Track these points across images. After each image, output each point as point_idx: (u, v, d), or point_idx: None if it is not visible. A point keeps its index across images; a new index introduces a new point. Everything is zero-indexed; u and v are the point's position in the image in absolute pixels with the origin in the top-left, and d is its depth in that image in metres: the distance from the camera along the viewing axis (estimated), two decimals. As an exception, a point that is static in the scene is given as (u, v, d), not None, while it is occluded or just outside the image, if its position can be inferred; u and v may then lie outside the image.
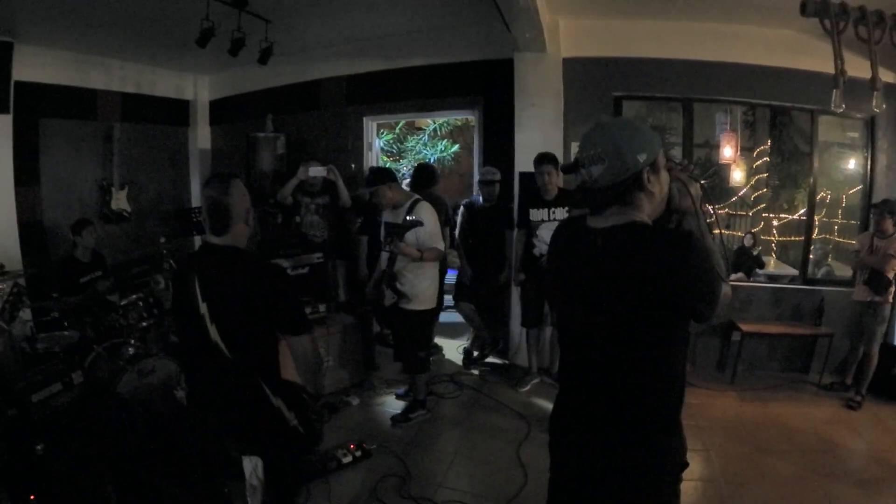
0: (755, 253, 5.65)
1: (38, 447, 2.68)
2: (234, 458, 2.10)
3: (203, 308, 1.94)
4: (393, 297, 3.69)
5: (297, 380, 2.10)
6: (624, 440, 1.46)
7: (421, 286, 3.74)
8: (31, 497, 2.53)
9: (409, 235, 3.58)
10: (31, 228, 5.25)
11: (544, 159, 4.18)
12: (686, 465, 1.52)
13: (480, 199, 4.96)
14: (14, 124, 4.98)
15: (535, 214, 4.28)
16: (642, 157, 1.39)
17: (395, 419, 3.91)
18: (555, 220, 4.16)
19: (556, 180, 4.19)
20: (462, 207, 5.09)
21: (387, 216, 3.81)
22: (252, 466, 2.07)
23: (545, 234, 4.19)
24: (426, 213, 3.66)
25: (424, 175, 5.08)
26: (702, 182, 1.54)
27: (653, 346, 1.41)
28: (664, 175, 1.47)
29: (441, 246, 3.76)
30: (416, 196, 3.81)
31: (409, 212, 3.64)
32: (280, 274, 2.09)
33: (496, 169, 4.89)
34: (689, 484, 3.12)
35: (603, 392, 1.49)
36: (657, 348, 1.42)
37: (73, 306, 3.91)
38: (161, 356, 3.77)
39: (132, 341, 3.79)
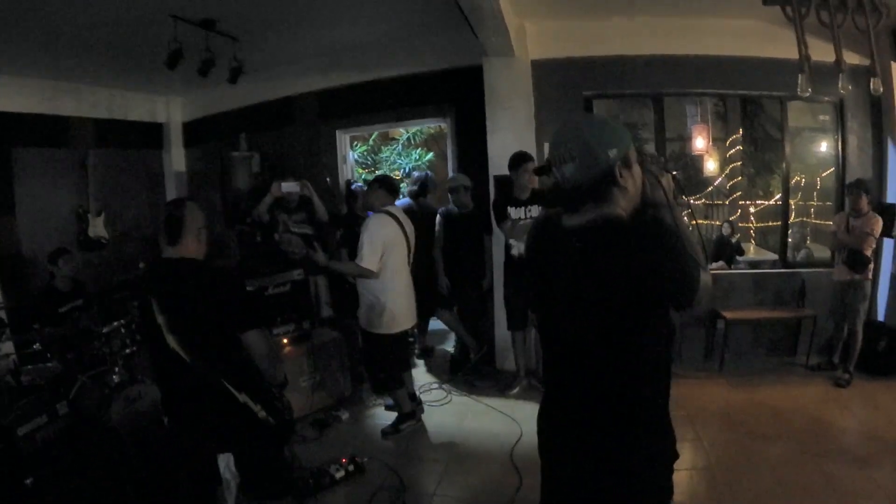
0: (733, 241, 5.72)
1: (28, 481, 2.64)
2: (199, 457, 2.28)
3: (160, 319, 2.06)
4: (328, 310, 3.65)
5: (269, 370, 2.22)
6: (612, 436, 1.46)
7: (363, 305, 3.72)
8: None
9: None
10: (8, 260, 5.19)
11: (525, 158, 4.19)
12: (677, 455, 1.53)
13: (455, 208, 4.97)
14: (-13, 154, 4.90)
15: (513, 213, 4.27)
16: (612, 153, 1.40)
17: (385, 432, 3.87)
18: (531, 219, 4.14)
19: (534, 180, 4.21)
20: (439, 216, 5.09)
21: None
22: (225, 462, 2.25)
23: (521, 232, 4.20)
24: (368, 224, 3.63)
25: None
26: (673, 173, 1.55)
27: (635, 340, 1.42)
28: (636, 169, 1.47)
29: (363, 263, 3.53)
30: (386, 210, 3.73)
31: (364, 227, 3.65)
32: (225, 276, 2.24)
33: (465, 175, 4.91)
34: (683, 473, 3.13)
35: (587, 389, 1.49)
36: (640, 342, 1.42)
37: (55, 337, 3.84)
38: (147, 382, 3.72)
39: (116, 368, 3.74)
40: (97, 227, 5.87)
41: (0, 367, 3.45)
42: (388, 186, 3.84)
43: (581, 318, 1.45)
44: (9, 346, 3.87)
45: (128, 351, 3.89)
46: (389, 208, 3.75)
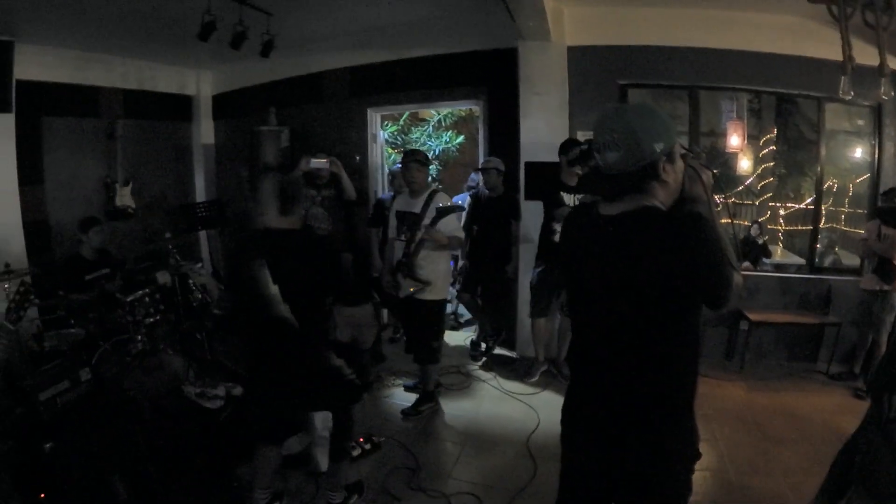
0: (761, 242, 5.62)
1: (47, 445, 2.69)
2: (297, 418, 2.48)
3: (274, 289, 2.15)
4: (409, 288, 3.65)
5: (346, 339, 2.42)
6: (638, 428, 1.45)
7: (438, 275, 3.73)
8: (42, 496, 2.54)
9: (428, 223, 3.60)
10: (35, 227, 5.25)
11: (576, 143, 4.13)
12: (699, 455, 1.52)
13: (487, 190, 4.94)
14: (17, 123, 4.96)
15: (564, 199, 4.17)
16: (659, 147, 1.37)
17: (406, 412, 3.89)
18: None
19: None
20: (469, 197, 5.05)
21: (399, 204, 3.81)
22: (322, 420, 2.47)
23: None
24: (447, 199, 3.70)
25: None
26: (714, 171, 1.52)
27: (666, 332, 1.41)
28: (679, 164, 1.45)
29: (461, 234, 3.80)
30: (434, 187, 3.84)
31: (428, 201, 3.63)
32: (338, 250, 2.47)
33: (499, 160, 4.85)
34: (698, 474, 3.04)
35: (616, 380, 1.49)
36: (671, 335, 1.42)
37: (79, 304, 3.90)
38: (169, 352, 3.77)
39: (139, 337, 3.79)
40: (124, 197, 5.93)
41: (24, 332, 3.49)
42: (427, 163, 3.89)
43: (613, 307, 1.44)
44: (33, 312, 3.93)
45: (150, 320, 3.94)
46: (434, 187, 3.86)
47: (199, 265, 2.60)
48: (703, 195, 1.46)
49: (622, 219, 1.42)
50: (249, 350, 2.54)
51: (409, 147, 7.19)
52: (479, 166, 4.95)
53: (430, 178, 3.97)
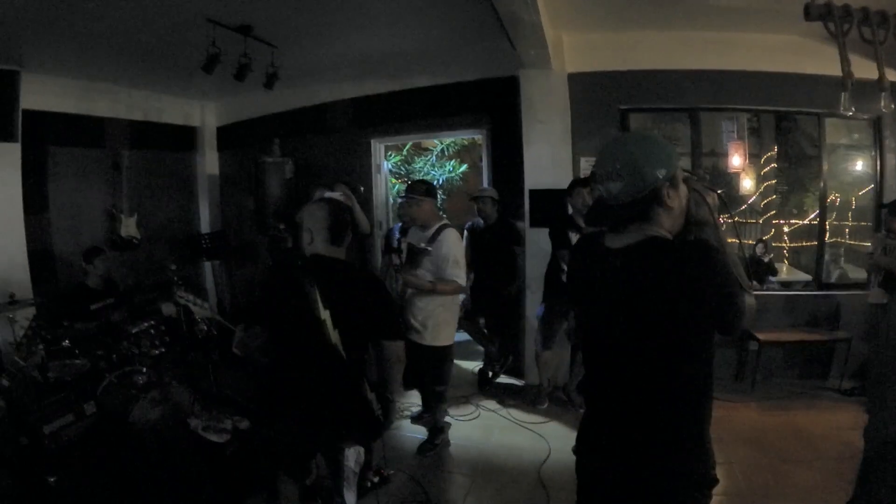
0: (766, 260, 5.61)
1: (52, 479, 2.66)
2: (326, 450, 2.39)
3: (325, 315, 2.09)
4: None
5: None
6: (653, 457, 1.44)
7: (434, 320, 3.46)
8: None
9: (427, 263, 3.41)
10: (40, 256, 5.27)
11: (579, 183, 4.08)
12: (716, 480, 1.50)
13: (481, 221, 4.93)
14: (23, 152, 5.00)
15: (573, 238, 4.04)
16: (661, 173, 1.38)
17: (423, 448, 3.76)
18: None
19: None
20: (466, 231, 5.06)
21: (412, 236, 3.63)
22: (355, 455, 2.39)
23: None
24: (451, 240, 3.41)
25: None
26: (718, 192, 1.52)
27: (679, 361, 1.40)
28: (683, 188, 1.45)
29: (462, 280, 3.43)
30: (445, 221, 3.59)
31: (435, 237, 3.42)
32: (382, 285, 2.42)
33: (493, 189, 4.88)
34: (715, 499, 3.05)
35: (627, 411, 1.48)
36: (683, 363, 1.41)
37: (84, 334, 3.89)
38: (174, 384, 3.74)
39: (144, 369, 3.77)
40: (129, 227, 5.96)
41: (28, 362, 3.46)
42: (434, 194, 3.69)
43: (623, 339, 1.44)
44: (37, 344, 3.91)
45: (156, 352, 3.92)
46: (445, 221, 3.61)
47: (205, 303, 2.57)
48: (709, 218, 1.46)
49: (628, 251, 1.42)
50: (278, 380, 2.42)
51: (413, 177, 7.22)
52: (474, 195, 4.95)
53: (438, 210, 3.81)
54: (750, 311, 1.38)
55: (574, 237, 4.08)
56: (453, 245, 3.42)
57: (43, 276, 5.20)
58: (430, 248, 3.37)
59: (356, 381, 2.20)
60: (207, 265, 6.68)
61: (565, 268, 4.03)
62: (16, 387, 3.15)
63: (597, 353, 1.60)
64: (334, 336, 2.10)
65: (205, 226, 6.99)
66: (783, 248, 6.30)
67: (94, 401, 3.36)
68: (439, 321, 3.50)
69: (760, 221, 6.02)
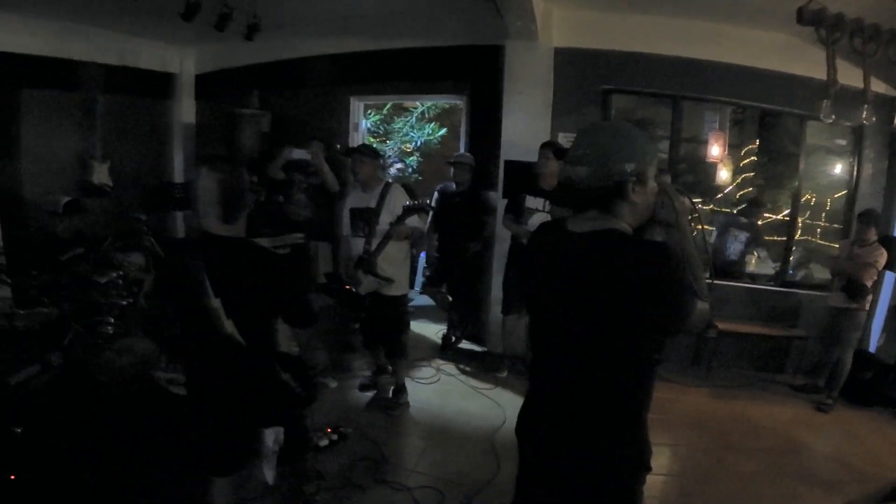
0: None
1: (18, 430, 2.67)
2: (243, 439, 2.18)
3: (216, 303, 1.91)
4: (371, 284, 3.61)
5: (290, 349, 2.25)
6: (589, 442, 1.47)
7: (401, 270, 3.77)
8: (12, 477, 2.51)
9: (386, 217, 3.57)
10: (9, 202, 5.12)
11: (548, 144, 4.12)
12: (649, 468, 1.54)
13: (453, 185, 4.92)
14: (-6, 95, 4.82)
15: (532, 202, 4.12)
16: (629, 167, 1.38)
17: (389, 406, 3.89)
18: (548, 212, 3.99)
19: (555, 170, 3.98)
20: (436, 193, 5.05)
21: (352, 201, 3.78)
22: (274, 435, 2.18)
23: (538, 223, 4.12)
24: (400, 196, 3.66)
25: None
26: (692, 200, 1.54)
27: (623, 352, 1.42)
28: (651, 185, 1.46)
29: (422, 226, 3.87)
30: (388, 180, 3.88)
31: (384, 195, 3.63)
32: (285, 266, 2.13)
33: (471, 155, 4.87)
34: (655, 478, 3.17)
35: (568, 395, 1.50)
36: (624, 356, 1.43)
37: (52, 283, 3.84)
38: (140, 336, 3.74)
39: (111, 320, 3.76)
40: (101, 175, 5.80)
41: (-4, 311, 3.42)
42: (378, 159, 3.91)
43: (570, 324, 1.45)
44: (5, 291, 3.86)
45: (123, 303, 3.90)
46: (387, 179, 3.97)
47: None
48: (673, 221, 1.48)
49: (587, 238, 1.43)
50: (190, 372, 2.29)
51: (392, 137, 7.16)
52: (451, 160, 4.95)
53: (381, 172, 3.99)
54: (700, 315, 1.39)
55: (533, 201, 4.11)
56: (402, 195, 3.68)
57: (11, 220, 5.05)
58: (422, 204, 3.60)
59: (263, 366, 2.05)
60: (179, 215, 6.58)
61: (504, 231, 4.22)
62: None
63: (542, 335, 1.62)
64: (228, 325, 1.92)
65: (178, 176, 6.82)
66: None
67: (60, 351, 3.35)
68: (402, 270, 3.79)
69: (735, 212, 6.11)
